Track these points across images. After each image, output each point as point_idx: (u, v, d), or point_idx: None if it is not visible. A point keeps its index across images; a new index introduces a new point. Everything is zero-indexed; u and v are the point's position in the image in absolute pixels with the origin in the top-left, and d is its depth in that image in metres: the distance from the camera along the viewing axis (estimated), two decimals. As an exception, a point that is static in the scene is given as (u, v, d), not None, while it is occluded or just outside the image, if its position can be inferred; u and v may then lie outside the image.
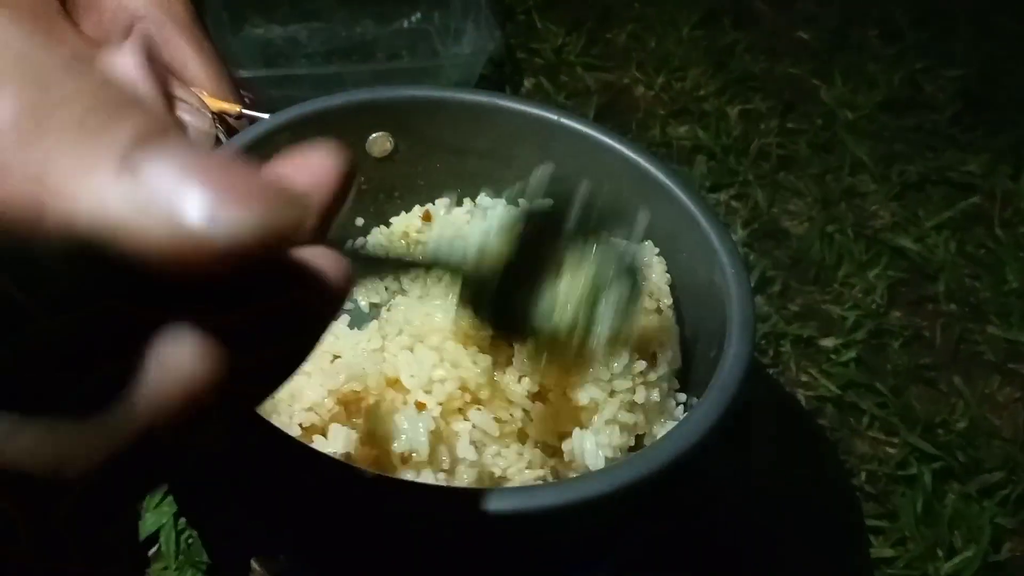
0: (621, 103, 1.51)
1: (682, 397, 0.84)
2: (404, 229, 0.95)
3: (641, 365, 0.79)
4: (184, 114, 0.84)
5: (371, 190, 0.96)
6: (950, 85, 1.58)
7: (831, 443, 1.14)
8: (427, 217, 0.95)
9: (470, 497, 0.62)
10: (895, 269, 1.32)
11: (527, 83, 1.51)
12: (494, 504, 0.61)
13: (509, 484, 0.75)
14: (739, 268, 0.79)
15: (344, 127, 0.89)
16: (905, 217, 1.38)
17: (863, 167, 1.43)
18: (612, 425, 0.77)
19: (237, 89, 0.88)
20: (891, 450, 1.15)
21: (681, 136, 1.45)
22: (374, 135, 0.92)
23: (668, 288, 0.87)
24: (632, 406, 0.78)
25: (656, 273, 0.87)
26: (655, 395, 0.79)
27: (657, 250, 0.90)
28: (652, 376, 0.79)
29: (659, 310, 0.84)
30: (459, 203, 0.97)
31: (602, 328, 0.59)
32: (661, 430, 0.79)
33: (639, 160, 0.88)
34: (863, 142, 1.47)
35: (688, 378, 0.86)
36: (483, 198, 0.98)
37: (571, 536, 0.72)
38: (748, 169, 1.42)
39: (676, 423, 0.79)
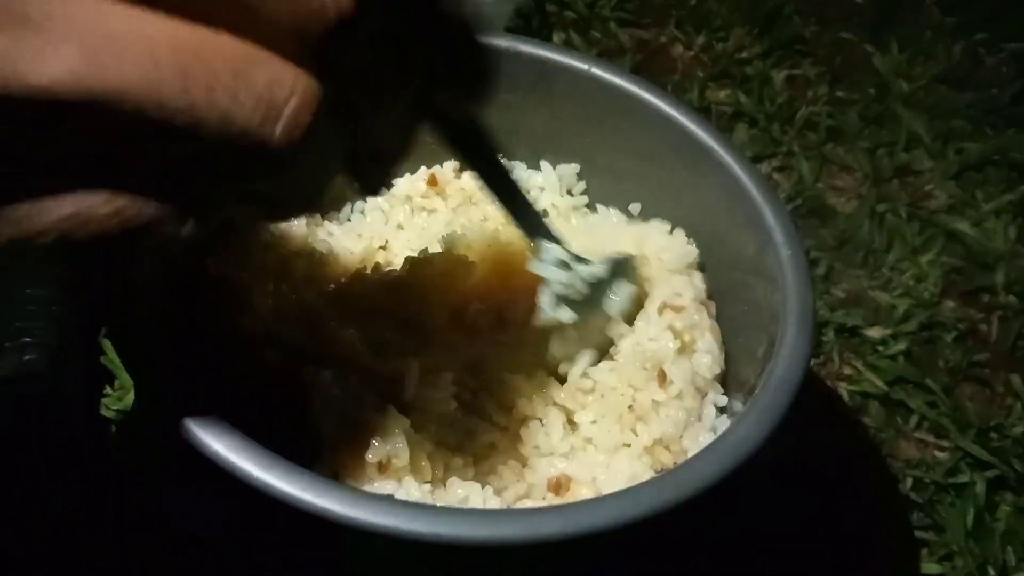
0: (657, 63, 1.37)
1: (721, 399, 0.70)
2: (407, 194, 0.81)
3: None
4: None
5: None
6: (1013, 60, 1.42)
7: (875, 445, 1.01)
8: (433, 182, 0.81)
9: (474, 520, 0.49)
10: (950, 255, 1.18)
11: (556, 38, 1.36)
12: (497, 529, 0.48)
13: (509, 497, 0.61)
14: (796, 250, 0.65)
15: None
16: (962, 200, 1.23)
17: (918, 143, 1.28)
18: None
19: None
20: (940, 455, 1.01)
21: (721, 101, 1.30)
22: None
23: (700, 276, 0.74)
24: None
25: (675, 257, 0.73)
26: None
27: (669, 226, 0.77)
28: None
29: (676, 308, 0.70)
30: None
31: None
32: (693, 443, 0.65)
33: (679, 118, 0.74)
34: (919, 116, 1.31)
35: (727, 375, 0.72)
36: (502, 160, 0.84)
37: (581, 560, 0.59)
38: (793, 140, 1.27)
39: (712, 434, 0.66)
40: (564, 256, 0.64)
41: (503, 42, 0.77)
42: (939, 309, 1.12)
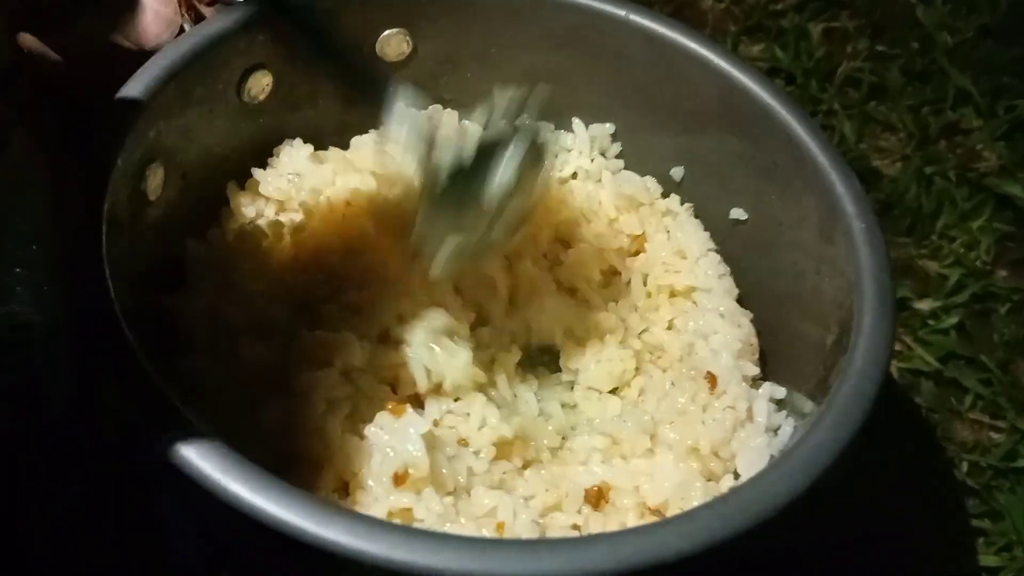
0: (686, 15, 1.25)
1: (778, 391, 0.60)
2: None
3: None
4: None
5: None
6: (1062, 12, 1.30)
7: (927, 427, 0.92)
8: None
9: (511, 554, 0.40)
10: (1002, 221, 1.07)
11: (579, -9, 1.25)
12: (538, 565, 0.39)
13: (537, 518, 0.52)
14: (871, 223, 0.56)
15: (350, 21, 0.66)
16: (1013, 161, 1.13)
17: (966, 100, 1.17)
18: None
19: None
20: (997, 436, 0.92)
21: (756, 56, 1.20)
22: (388, 32, 0.68)
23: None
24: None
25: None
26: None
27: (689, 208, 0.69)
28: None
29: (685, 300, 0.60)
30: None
31: (497, 182, 0.55)
32: (743, 447, 0.56)
33: (731, 71, 0.64)
34: (965, 72, 1.20)
35: (780, 365, 0.62)
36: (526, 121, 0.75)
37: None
38: (833, 97, 1.16)
39: (769, 436, 0.56)
40: (421, 124, 0.55)
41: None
42: (992, 279, 1.02)
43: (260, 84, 0.64)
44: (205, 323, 0.56)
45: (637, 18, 0.66)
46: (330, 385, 0.53)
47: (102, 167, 0.51)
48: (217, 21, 0.60)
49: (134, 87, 0.55)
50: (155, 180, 0.57)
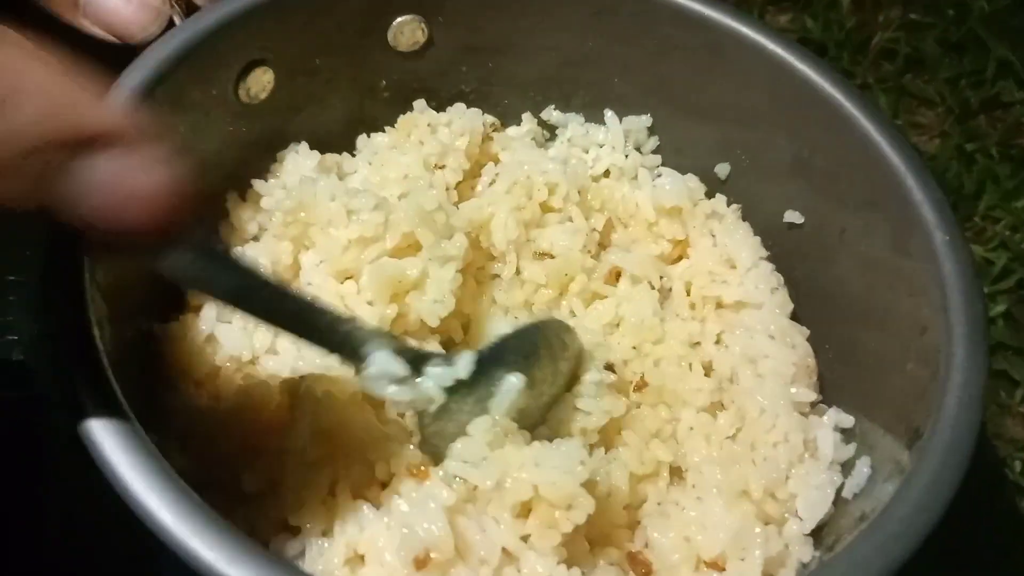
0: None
1: (844, 419, 0.53)
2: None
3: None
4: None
5: (393, 97, 0.63)
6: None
7: (977, 425, 0.83)
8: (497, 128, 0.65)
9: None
10: (1048, 199, 0.99)
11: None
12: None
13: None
14: (955, 235, 0.47)
15: (359, 6, 0.57)
16: (1058, 135, 1.04)
17: (1007, 71, 1.09)
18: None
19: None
20: (1051, 433, 0.85)
21: (784, 27, 1.12)
22: (400, 19, 0.59)
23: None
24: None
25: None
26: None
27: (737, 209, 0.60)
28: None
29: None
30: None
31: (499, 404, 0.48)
32: (804, 487, 0.49)
33: (787, 57, 0.55)
34: (1003, 40, 1.11)
35: (844, 388, 0.55)
36: (553, 113, 0.66)
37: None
38: (867, 70, 1.08)
39: (833, 474, 0.49)
40: (394, 367, 0.46)
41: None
42: (1040, 263, 0.95)
43: (261, 82, 0.56)
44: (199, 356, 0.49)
45: (681, -1, 0.57)
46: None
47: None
48: (212, 12, 0.52)
49: (119, 94, 0.47)
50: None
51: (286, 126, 0.59)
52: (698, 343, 0.57)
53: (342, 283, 0.51)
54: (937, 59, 1.11)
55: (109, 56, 0.55)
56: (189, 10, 0.56)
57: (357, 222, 0.51)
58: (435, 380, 0.47)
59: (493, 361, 0.48)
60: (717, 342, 0.58)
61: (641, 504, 0.52)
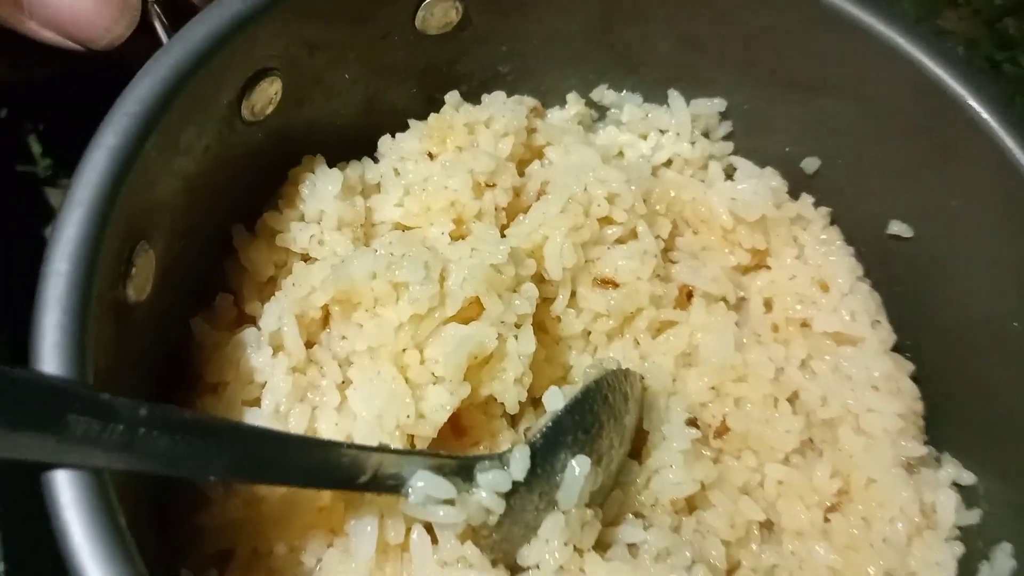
0: None
1: (966, 477, 0.47)
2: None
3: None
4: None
5: (420, 87, 0.52)
6: None
7: None
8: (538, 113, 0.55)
9: None
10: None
11: None
12: None
13: None
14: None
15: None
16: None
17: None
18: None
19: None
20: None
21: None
22: (432, -3, 0.48)
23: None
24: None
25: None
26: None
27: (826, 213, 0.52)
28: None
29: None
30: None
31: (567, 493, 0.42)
32: (924, 567, 0.44)
33: (904, 46, 0.46)
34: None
35: (958, 432, 0.49)
36: (605, 92, 0.55)
37: None
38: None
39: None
40: (440, 489, 0.39)
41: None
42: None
43: (267, 95, 0.44)
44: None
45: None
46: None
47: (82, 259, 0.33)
48: (206, 21, 0.40)
49: (104, 145, 0.36)
50: (143, 270, 0.39)
51: (296, 137, 0.48)
52: (781, 369, 0.50)
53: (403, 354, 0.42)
54: (963, -49, 1.00)
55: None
56: (167, 8, 0.43)
57: (408, 299, 0.42)
58: (489, 489, 0.41)
59: (551, 447, 0.42)
60: (803, 367, 0.51)
61: (733, 571, 0.46)
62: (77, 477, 0.29)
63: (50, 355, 0.31)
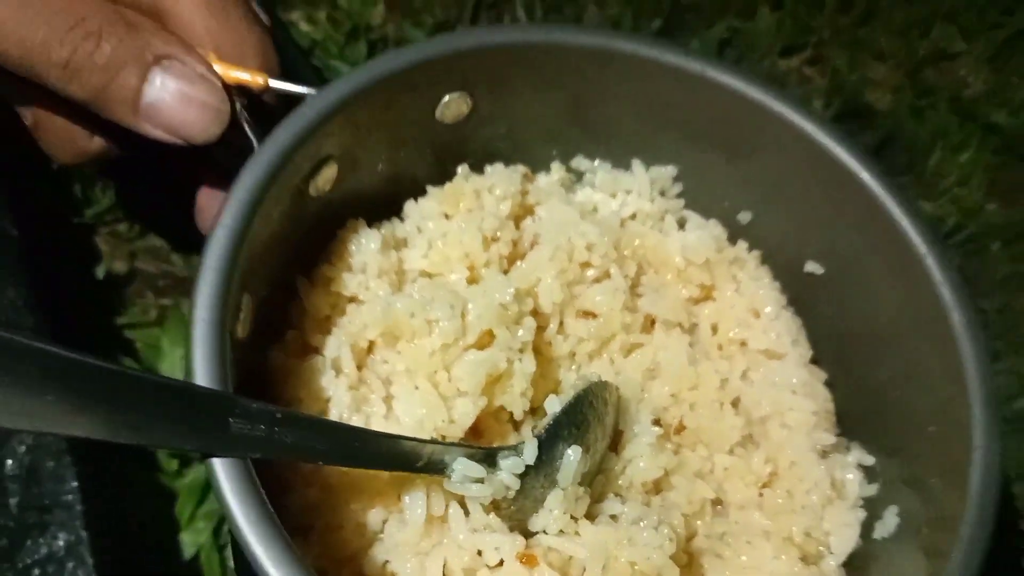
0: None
1: (866, 459, 0.61)
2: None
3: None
4: (172, 78, 0.54)
5: (436, 161, 0.67)
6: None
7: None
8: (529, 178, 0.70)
9: None
10: (990, 150, 1.07)
11: None
12: None
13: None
14: (970, 315, 0.54)
15: (410, 98, 0.60)
16: (999, 86, 1.11)
17: (951, 20, 1.14)
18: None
19: (267, 54, 0.57)
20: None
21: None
22: (448, 97, 0.62)
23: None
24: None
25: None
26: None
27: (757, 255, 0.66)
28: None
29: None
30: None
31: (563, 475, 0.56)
32: (836, 527, 0.59)
33: (804, 126, 0.61)
34: (947, -15, 1.15)
35: (862, 425, 0.63)
36: (581, 161, 0.70)
37: None
38: (824, 26, 1.11)
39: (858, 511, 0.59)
40: (473, 470, 0.53)
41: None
42: (984, 214, 1.03)
43: (327, 176, 0.58)
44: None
45: (701, 67, 0.61)
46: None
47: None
48: (289, 127, 0.54)
49: (224, 224, 0.50)
50: (246, 314, 0.53)
51: (342, 204, 0.62)
52: (726, 379, 0.65)
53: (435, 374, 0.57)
54: (889, 9, 1.15)
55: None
56: (253, 108, 0.57)
57: (439, 332, 0.56)
58: (508, 471, 0.54)
59: (551, 440, 0.56)
60: (743, 377, 0.65)
61: (691, 537, 0.60)
62: (232, 463, 0.43)
63: (203, 377, 0.45)
